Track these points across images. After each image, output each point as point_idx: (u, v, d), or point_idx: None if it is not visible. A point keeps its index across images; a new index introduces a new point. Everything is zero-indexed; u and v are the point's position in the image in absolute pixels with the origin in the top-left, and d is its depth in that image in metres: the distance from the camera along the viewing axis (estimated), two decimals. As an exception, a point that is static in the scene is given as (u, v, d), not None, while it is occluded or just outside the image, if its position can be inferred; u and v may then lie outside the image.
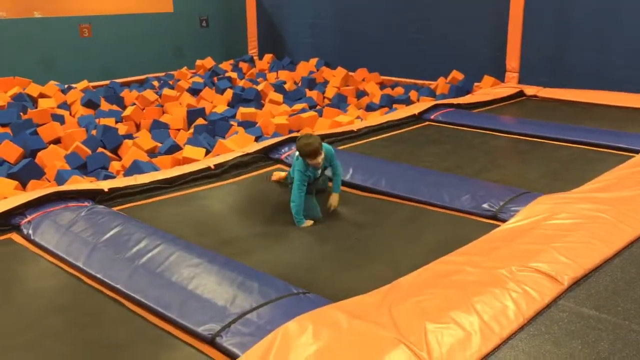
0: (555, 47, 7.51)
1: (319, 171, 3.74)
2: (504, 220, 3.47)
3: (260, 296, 2.58)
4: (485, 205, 3.69)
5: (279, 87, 8.13)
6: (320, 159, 3.59)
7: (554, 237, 3.01)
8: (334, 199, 3.76)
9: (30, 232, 3.47)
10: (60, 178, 4.79)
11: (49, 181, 4.95)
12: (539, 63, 7.64)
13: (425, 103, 6.78)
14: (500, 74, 7.89)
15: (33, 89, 7.58)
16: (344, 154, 4.74)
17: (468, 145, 5.37)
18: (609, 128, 5.54)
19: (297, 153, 3.71)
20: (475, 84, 7.99)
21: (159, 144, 5.82)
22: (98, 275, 2.96)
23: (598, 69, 7.20)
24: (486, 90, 7.57)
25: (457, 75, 8.26)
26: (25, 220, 3.59)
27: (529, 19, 7.52)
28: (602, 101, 6.71)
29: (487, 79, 7.92)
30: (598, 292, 2.62)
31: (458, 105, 6.70)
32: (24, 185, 4.89)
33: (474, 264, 2.77)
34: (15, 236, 3.52)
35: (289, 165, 4.74)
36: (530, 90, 7.36)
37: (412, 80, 8.77)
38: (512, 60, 7.69)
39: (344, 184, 4.11)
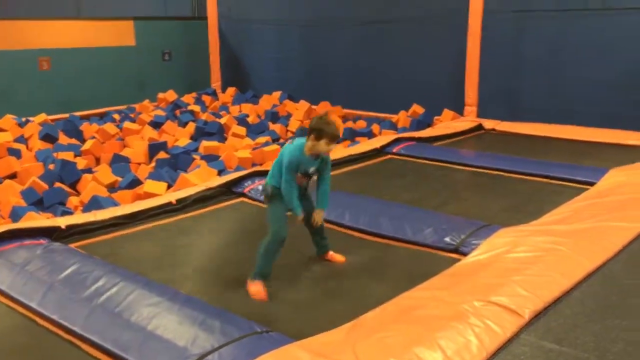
0: (511, 82, 7.75)
1: (311, 169, 3.27)
2: (465, 254, 3.50)
3: (222, 335, 2.53)
4: (447, 239, 3.73)
5: (242, 121, 8.13)
6: (334, 146, 3.18)
7: (514, 271, 3.06)
8: (318, 215, 3.38)
9: (-17, 272, 3.35)
10: (15, 215, 4.66)
11: (4, 218, 4.80)
12: (496, 97, 7.86)
13: (387, 136, 6.87)
14: (459, 108, 8.07)
15: (-11, 123, 7.41)
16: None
17: (429, 178, 5.45)
18: (565, 161, 5.71)
19: (289, 143, 3.27)
20: (436, 117, 8.15)
21: (120, 179, 5.72)
22: (53, 317, 2.86)
23: (551, 103, 7.45)
24: (446, 123, 7.73)
25: (417, 109, 8.41)
26: (-23, 259, 3.46)
27: (485, 54, 7.75)
28: (557, 135, 6.92)
29: (447, 112, 8.09)
30: (558, 325, 2.65)
31: (419, 139, 6.81)
32: (-24, 222, 4.74)
33: (436, 299, 2.78)
34: (-34, 276, 3.39)
35: (252, 199, 4.72)
36: (488, 124, 7.55)
37: (374, 114, 8.88)
38: (471, 94, 7.89)
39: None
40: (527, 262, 3.15)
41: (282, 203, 3.26)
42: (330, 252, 3.60)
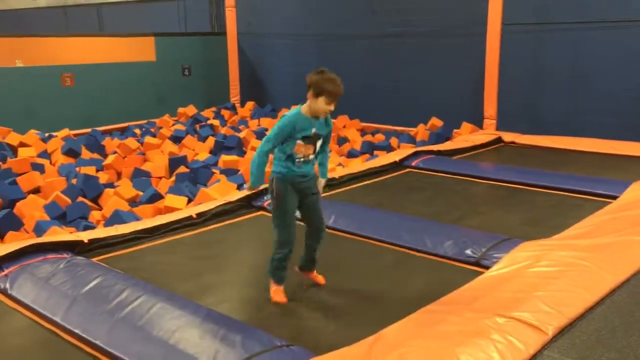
0: (530, 95, 7.72)
1: (312, 131, 2.88)
2: (486, 267, 3.48)
3: (244, 350, 2.54)
4: (468, 252, 3.71)
5: (260, 134, 8.18)
6: (333, 106, 2.83)
7: (536, 285, 3.03)
8: (320, 185, 3.21)
9: (8, 286, 3.39)
10: (39, 229, 4.72)
11: (28, 232, 4.87)
12: (515, 110, 7.82)
13: (406, 150, 6.87)
14: (478, 121, 8.04)
15: (13, 138, 7.54)
16: (325, 201, 4.75)
17: (448, 192, 5.43)
18: (586, 174, 5.65)
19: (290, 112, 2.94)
20: (454, 130, 8.12)
21: (140, 193, 5.78)
22: (76, 331, 2.89)
23: (571, 115, 7.40)
24: (465, 136, 7.70)
25: (436, 122, 8.40)
26: (2, 273, 3.51)
27: (504, 67, 7.73)
28: (577, 147, 6.86)
29: (466, 125, 8.06)
30: (582, 342, 2.62)
31: (438, 152, 6.79)
32: (1, 237, 4.81)
33: (457, 314, 2.76)
34: (-9, 290, 3.44)
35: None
36: (508, 136, 7.50)
37: (393, 127, 8.89)
38: (490, 107, 7.85)
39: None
40: (550, 277, 3.11)
41: (292, 200, 2.93)
42: (314, 272, 3.42)
